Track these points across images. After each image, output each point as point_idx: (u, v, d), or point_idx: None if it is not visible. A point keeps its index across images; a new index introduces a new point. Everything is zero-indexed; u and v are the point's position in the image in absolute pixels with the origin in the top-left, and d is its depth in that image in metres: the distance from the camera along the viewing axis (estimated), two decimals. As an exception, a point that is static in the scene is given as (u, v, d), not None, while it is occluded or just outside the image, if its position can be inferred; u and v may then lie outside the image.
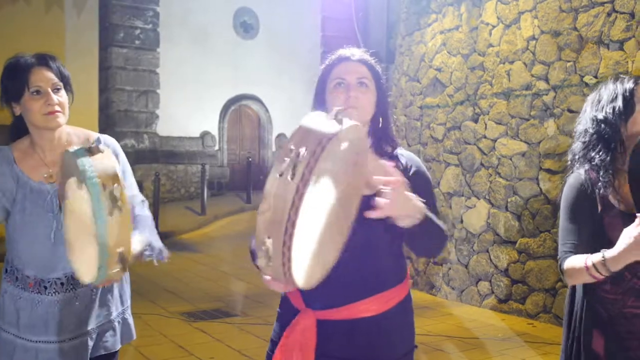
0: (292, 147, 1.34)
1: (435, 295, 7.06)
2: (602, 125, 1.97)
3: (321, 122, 1.40)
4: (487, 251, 6.43)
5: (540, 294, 5.83)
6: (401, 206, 1.56)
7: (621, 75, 2.04)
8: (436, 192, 7.15)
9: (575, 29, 5.68)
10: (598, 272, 1.78)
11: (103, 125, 14.64)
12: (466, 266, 6.68)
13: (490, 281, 6.38)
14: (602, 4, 5.46)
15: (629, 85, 1.98)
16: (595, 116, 1.99)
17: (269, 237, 1.33)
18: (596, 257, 1.78)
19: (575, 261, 1.86)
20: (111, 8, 14.63)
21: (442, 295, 6.98)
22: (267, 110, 16.57)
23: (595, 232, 1.92)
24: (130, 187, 2.21)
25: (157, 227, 2.46)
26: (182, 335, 5.44)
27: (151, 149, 15.05)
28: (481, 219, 6.53)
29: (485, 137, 6.54)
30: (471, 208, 6.67)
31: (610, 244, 1.86)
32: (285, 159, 1.33)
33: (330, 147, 1.35)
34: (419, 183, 1.84)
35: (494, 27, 6.55)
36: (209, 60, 15.50)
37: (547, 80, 5.92)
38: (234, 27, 16.39)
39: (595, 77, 5.47)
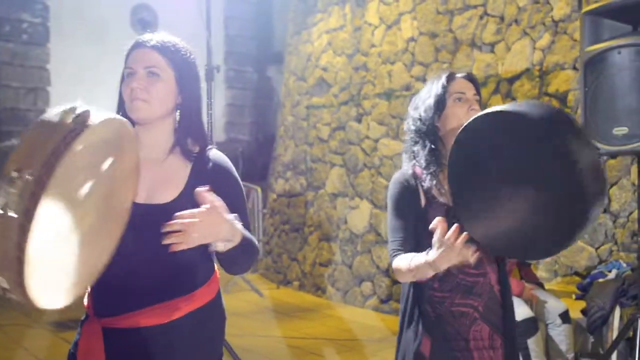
0: (15, 171, 1.17)
1: (321, 296, 6.99)
2: (419, 123, 1.97)
3: (53, 125, 1.23)
4: (370, 252, 6.42)
5: (419, 293, 5.87)
6: (210, 233, 1.48)
7: (443, 73, 2.02)
8: (321, 193, 7.10)
9: (451, 30, 5.75)
10: (422, 273, 1.75)
11: (-15, 124, 13.75)
12: (350, 267, 6.66)
13: (372, 282, 6.38)
14: (475, 6, 5.55)
15: (442, 82, 1.97)
16: (413, 115, 2.00)
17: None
18: (420, 259, 1.75)
19: (401, 262, 1.83)
20: (-6, -1, 13.78)
21: (327, 296, 6.93)
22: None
23: (421, 226, 1.88)
24: None
25: None
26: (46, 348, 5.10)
27: (39, 149, 14.29)
28: (364, 219, 6.51)
29: (368, 137, 6.53)
30: (354, 209, 6.65)
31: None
32: (6, 187, 1.17)
33: (69, 157, 1.19)
34: (223, 188, 1.69)
35: (376, 27, 6.56)
36: (104, 57, 14.83)
37: (425, 81, 5.93)
38: (132, 23, 15.81)
39: (469, 78, 5.55)
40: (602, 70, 3.22)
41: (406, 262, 1.79)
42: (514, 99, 5.18)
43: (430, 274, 1.74)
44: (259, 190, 8.02)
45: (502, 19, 5.34)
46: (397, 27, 6.30)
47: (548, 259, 4.90)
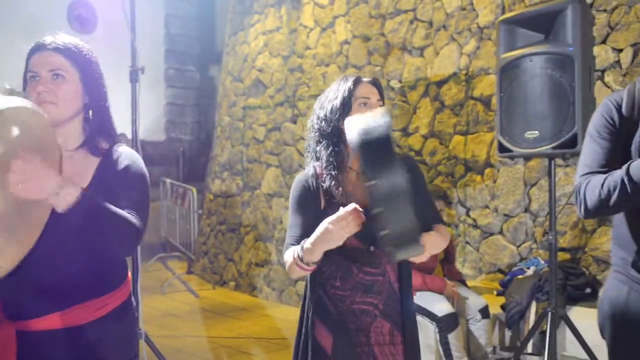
0: None
1: (257, 296, 7.02)
2: (323, 123, 1.99)
3: None
4: (305, 251, 6.48)
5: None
6: (33, 185, 1.44)
7: (350, 76, 2.05)
8: (257, 193, 7.14)
9: (382, 34, 5.88)
10: (303, 262, 1.76)
11: None
12: (285, 267, 6.70)
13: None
14: (406, 11, 5.70)
15: (349, 85, 2.00)
16: (318, 114, 2.02)
17: None
18: (299, 248, 1.78)
19: (288, 254, 1.85)
20: None
21: (263, 296, 6.96)
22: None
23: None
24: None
25: None
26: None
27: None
28: (299, 219, 6.57)
29: (303, 138, 6.60)
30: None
31: None
32: None
33: None
34: (128, 179, 1.73)
35: (311, 30, 6.64)
36: (40, 54, 14.51)
37: (358, 83, 6.07)
38: (69, 19, 15.46)
39: (400, 81, 5.70)
40: (515, 76, 3.37)
41: (291, 252, 1.83)
42: (442, 102, 5.34)
43: (308, 267, 1.77)
44: (194, 190, 7.99)
45: (430, 24, 5.49)
46: (331, 30, 6.39)
47: (473, 256, 5.07)
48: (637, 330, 1.81)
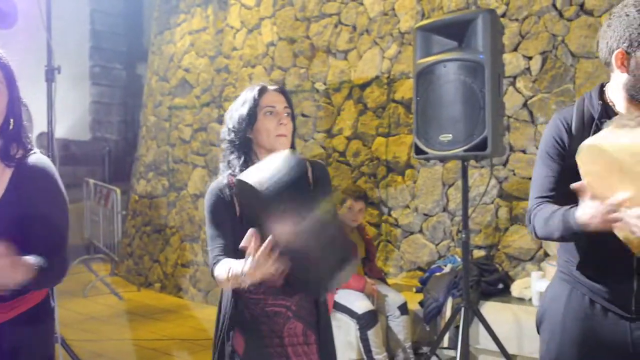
0: None
1: (183, 297, 6.97)
2: (232, 134, 2.00)
3: None
4: (231, 252, 6.49)
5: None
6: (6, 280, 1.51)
7: (256, 85, 2.05)
8: (183, 194, 7.09)
9: (308, 37, 5.96)
10: (239, 283, 1.75)
11: None
12: (212, 267, 6.69)
13: (233, 281, 6.45)
14: (330, 15, 5.79)
15: (254, 94, 2.00)
16: (228, 124, 2.03)
17: None
18: (236, 270, 1.75)
19: (221, 270, 1.84)
20: None
21: (189, 297, 6.92)
22: (26, 107, 15.23)
23: (238, 234, 1.88)
24: None
25: None
26: None
27: None
28: (225, 220, 6.57)
29: (229, 139, 6.60)
30: (216, 209, 6.69)
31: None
32: None
33: None
34: (40, 195, 1.72)
35: (238, 30, 6.65)
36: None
37: (284, 85, 6.13)
38: (-13, 13, 14.87)
39: (325, 84, 5.79)
40: (431, 81, 3.50)
41: (224, 270, 1.80)
42: (365, 104, 5.46)
43: (247, 283, 1.73)
44: (118, 191, 7.85)
45: (354, 28, 5.61)
46: (257, 32, 6.42)
47: (394, 255, 5.22)
48: (575, 329, 1.89)
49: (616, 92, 1.81)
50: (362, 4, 5.55)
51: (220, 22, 6.84)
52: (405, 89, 5.20)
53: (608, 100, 1.84)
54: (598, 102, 1.83)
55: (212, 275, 1.93)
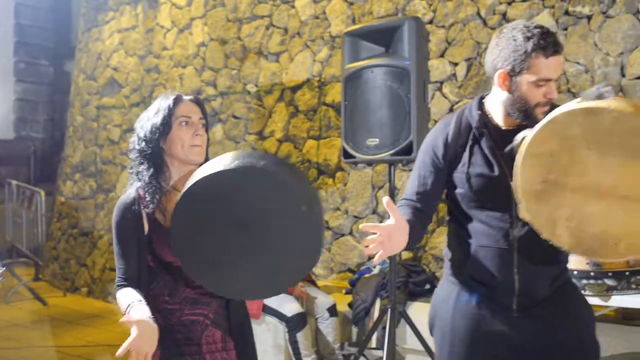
0: None
1: (111, 302, 6.81)
2: (143, 144, 1.93)
3: None
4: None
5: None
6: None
7: (168, 92, 2.00)
8: (112, 196, 6.93)
9: (239, 38, 5.93)
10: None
11: None
12: (141, 271, 6.57)
13: (163, 285, 6.36)
14: (262, 17, 5.79)
15: (169, 103, 1.93)
16: (139, 133, 1.95)
17: None
18: (131, 310, 1.75)
19: (121, 300, 1.82)
20: None
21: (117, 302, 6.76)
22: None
23: (145, 252, 1.89)
24: None
25: None
26: None
27: None
28: (155, 222, 6.47)
29: (159, 140, 6.50)
30: (146, 212, 6.58)
31: (160, 262, 1.89)
32: None
33: None
34: None
35: (168, 30, 6.55)
36: None
37: (215, 86, 6.09)
38: None
39: (256, 85, 5.78)
40: (358, 86, 3.55)
41: (124, 303, 1.79)
42: (296, 107, 5.49)
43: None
44: (42, 193, 7.59)
45: (286, 30, 5.62)
46: (188, 32, 6.35)
47: (325, 257, 5.26)
48: (463, 328, 1.97)
49: (495, 106, 1.92)
50: (293, 6, 5.57)
51: (150, 21, 6.72)
52: (336, 93, 5.25)
53: (487, 111, 1.94)
54: (477, 112, 1.93)
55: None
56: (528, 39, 1.77)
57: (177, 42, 6.44)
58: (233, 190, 1.71)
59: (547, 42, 1.77)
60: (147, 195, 1.89)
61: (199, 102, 2.00)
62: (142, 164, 1.92)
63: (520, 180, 1.65)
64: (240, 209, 1.72)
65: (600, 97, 1.56)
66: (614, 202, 1.55)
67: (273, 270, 1.76)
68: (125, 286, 1.86)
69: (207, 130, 2.01)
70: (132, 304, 1.76)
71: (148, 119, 1.94)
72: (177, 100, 1.95)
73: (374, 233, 1.72)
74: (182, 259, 1.76)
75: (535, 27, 1.80)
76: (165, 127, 1.90)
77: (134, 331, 1.66)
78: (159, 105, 1.94)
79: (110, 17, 7.23)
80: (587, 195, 1.59)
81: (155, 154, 1.91)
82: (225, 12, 6.04)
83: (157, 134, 1.90)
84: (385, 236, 1.71)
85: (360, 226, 1.74)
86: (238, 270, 1.76)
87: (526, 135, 1.66)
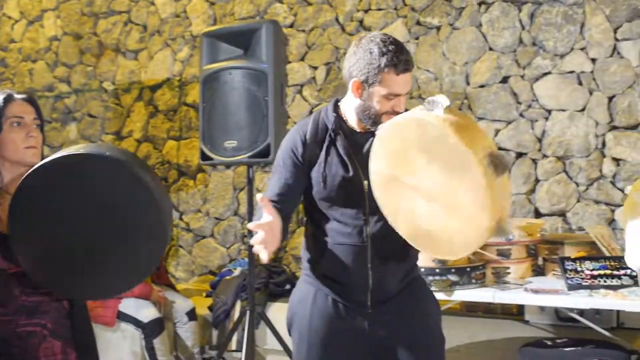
0: None
1: None
2: None
3: None
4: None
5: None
6: None
7: (1, 94, 1.87)
8: None
9: (95, 34, 5.68)
10: None
11: None
12: None
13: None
14: (120, 13, 5.58)
15: None
16: None
17: None
18: None
19: None
20: None
21: None
22: None
23: None
24: None
25: None
26: None
27: None
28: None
29: None
30: None
31: None
32: None
33: None
34: None
35: (16, 21, 6.13)
36: None
37: (69, 83, 5.79)
38: None
39: (114, 83, 5.57)
40: (217, 87, 3.53)
41: None
42: (155, 106, 5.35)
43: None
44: None
45: (145, 28, 5.46)
46: (39, 24, 5.98)
47: (185, 259, 5.18)
48: (320, 327, 2.02)
49: (349, 110, 2.02)
50: (153, 3, 5.42)
51: (-3, 10, 6.26)
52: (197, 93, 5.09)
53: (342, 114, 2.04)
54: (333, 114, 2.02)
55: None
56: (383, 54, 1.86)
57: (26, 35, 6.05)
58: (75, 180, 1.65)
59: (399, 60, 1.86)
60: None
61: (32, 101, 1.90)
62: None
63: (372, 172, 1.82)
64: (85, 200, 1.66)
65: (434, 106, 1.68)
66: (436, 206, 1.68)
67: (123, 265, 1.71)
68: None
69: (42, 131, 1.92)
70: None
71: None
72: (8, 100, 1.84)
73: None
74: (24, 263, 1.67)
75: (392, 42, 1.89)
76: None
77: None
78: None
79: (-51, 5, 6.65)
80: (418, 194, 1.73)
81: None
82: (80, 5, 5.76)
83: None
84: (269, 232, 1.72)
85: (248, 225, 1.77)
86: (85, 267, 1.71)
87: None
